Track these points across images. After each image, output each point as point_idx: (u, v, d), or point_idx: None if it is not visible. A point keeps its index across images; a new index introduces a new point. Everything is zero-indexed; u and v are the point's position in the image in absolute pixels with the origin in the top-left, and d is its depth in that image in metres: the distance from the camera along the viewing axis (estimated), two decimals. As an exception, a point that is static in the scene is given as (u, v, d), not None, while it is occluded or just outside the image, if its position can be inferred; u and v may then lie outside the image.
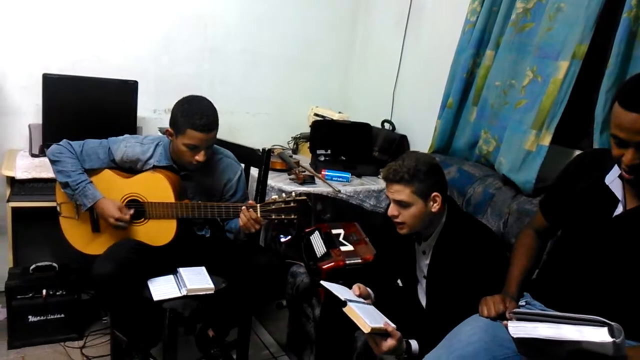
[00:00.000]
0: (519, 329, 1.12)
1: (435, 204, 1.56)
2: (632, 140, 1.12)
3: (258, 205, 1.76)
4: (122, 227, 1.83)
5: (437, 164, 1.59)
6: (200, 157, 1.80)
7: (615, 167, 1.27)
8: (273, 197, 1.77)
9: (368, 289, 1.67)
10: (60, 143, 1.86)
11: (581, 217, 1.36)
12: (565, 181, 1.45)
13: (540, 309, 1.40)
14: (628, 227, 1.25)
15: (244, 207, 1.75)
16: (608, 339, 0.99)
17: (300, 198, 1.73)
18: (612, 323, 1.01)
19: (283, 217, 1.74)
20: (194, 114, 1.75)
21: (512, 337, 1.15)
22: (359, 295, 1.61)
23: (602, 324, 1.01)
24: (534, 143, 1.90)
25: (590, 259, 1.32)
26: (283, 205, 1.73)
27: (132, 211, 1.83)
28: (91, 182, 1.83)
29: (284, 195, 1.76)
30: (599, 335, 1.00)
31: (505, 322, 1.19)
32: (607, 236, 1.28)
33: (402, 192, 1.52)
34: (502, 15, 2.10)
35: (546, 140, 1.87)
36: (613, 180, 1.28)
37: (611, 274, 1.27)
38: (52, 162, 1.84)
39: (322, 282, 1.62)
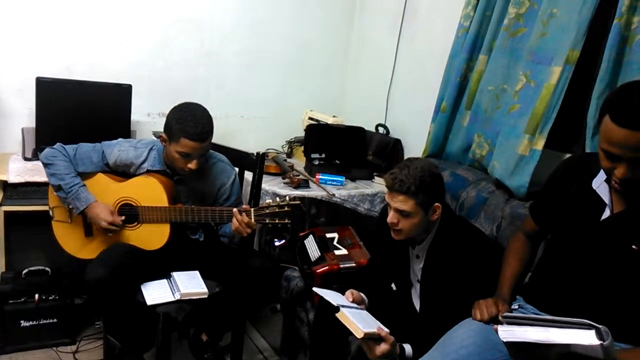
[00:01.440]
0: (508, 333, 1.13)
1: (435, 214, 1.56)
2: (625, 156, 1.11)
3: (252, 209, 1.76)
4: (114, 231, 1.82)
5: (439, 173, 1.59)
6: (192, 165, 1.80)
7: (602, 171, 1.28)
8: (267, 201, 1.77)
9: (361, 294, 1.67)
10: (54, 147, 1.86)
11: (570, 221, 1.37)
12: (553, 186, 1.46)
13: (532, 312, 1.41)
14: (615, 231, 1.26)
15: (235, 211, 1.75)
16: (595, 341, 1.00)
17: (294, 203, 1.73)
18: (600, 326, 1.01)
19: (277, 221, 1.74)
20: (188, 122, 1.74)
21: (503, 341, 1.15)
22: (353, 301, 1.61)
23: (590, 327, 1.02)
24: (527, 147, 1.91)
25: (579, 263, 1.33)
26: (277, 210, 1.73)
27: (123, 217, 1.83)
28: (84, 185, 1.83)
29: (278, 199, 1.76)
30: (586, 338, 1.01)
31: (495, 326, 1.20)
32: (595, 240, 1.29)
33: (406, 203, 1.52)
34: (495, 20, 2.12)
35: (539, 144, 1.88)
36: (600, 184, 1.29)
37: (600, 277, 1.28)
38: (45, 165, 1.83)
39: (314, 288, 1.62)
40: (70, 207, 1.82)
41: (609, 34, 1.68)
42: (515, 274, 1.51)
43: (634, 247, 1.21)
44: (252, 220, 1.74)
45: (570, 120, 1.96)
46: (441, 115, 2.34)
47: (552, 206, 1.44)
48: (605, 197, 1.28)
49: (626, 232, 1.24)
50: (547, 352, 1.08)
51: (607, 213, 1.28)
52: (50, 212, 1.93)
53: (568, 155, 1.89)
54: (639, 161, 1.11)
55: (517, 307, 1.45)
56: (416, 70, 2.73)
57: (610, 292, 1.26)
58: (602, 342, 0.99)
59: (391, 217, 1.56)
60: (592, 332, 1.01)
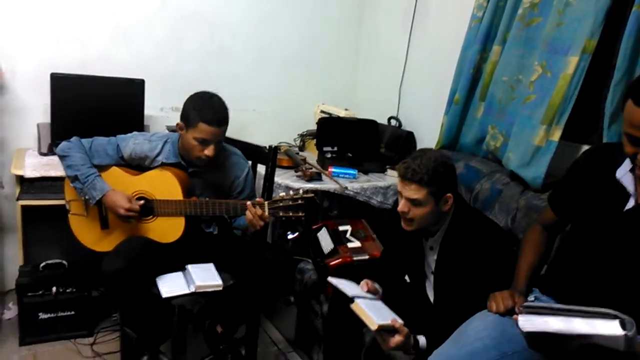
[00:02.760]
0: (528, 322, 1.11)
1: (446, 204, 1.56)
2: None
3: (266, 202, 1.76)
4: (132, 218, 1.84)
5: (452, 164, 1.58)
6: (209, 151, 1.81)
7: (627, 161, 1.26)
8: (281, 194, 1.77)
9: (376, 285, 1.67)
10: (70, 140, 1.88)
11: (592, 211, 1.35)
12: (575, 175, 1.44)
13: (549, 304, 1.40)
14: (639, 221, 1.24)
15: (249, 204, 1.75)
16: (620, 332, 0.98)
17: (307, 195, 1.73)
18: (624, 316, 1.00)
19: (291, 214, 1.74)
20: (207, 108, 1.78)
21: (522, 331, 1.14)
22: (368, 291, 1.61)
23: (614, 317, 1.00)
24: (544, 138, 1.89)
25: (601, 254, 1.31)
26: (290, 203, 1.73)
27: (142, 202, 1.84)
28: (100, 175, 1.85)
29: (291, 192, 1.76)
30: (610, 328, 0.99)
31: (515, 316, 1.19)
32: (619, 230, 1.27)
33: (418, 192, 1.52)
34: (508, 10, 2.09)
35: (556, 135, 1.86)
36: (624, 174, 1.27)
37: (622, 268, 1.26)
38: (62, 157, 1.86)
39: (329, 278, 1.63)
40: (87, 197, 1.84)
41: (626, 22, 1.65)
42: (531, 266, 1.49)
43: None
44: (266, 213, 1.75)
45: (587, 110, 1.93)
46: (454, 107, 2.32)
47: (572, 196, 1.42)
48: (630, 187, 1.26)
49: None
50: (567, 343, 1.07)
51: (631, 203, 1.26)
52: (67, 206, 1.95)
53: (584, 147, 1.87)
54: None
55: (533, 299, 1.44)
56: (428, 62, 2.71)
57: (632, 284, 1.25)
58: (626, 332, 0.98)
59: (402, 205, 1.56)
60: (616, 322, 0.99)
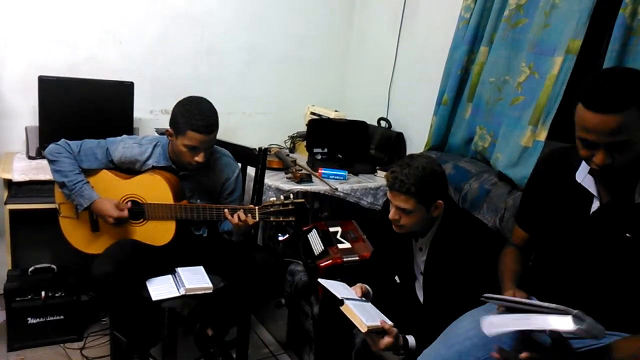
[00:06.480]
0: (492, 328, 1.13)
1: (437, 210, 1.57)
2: (602, 142, 1.10)
3: (256, 207, 1.77)
4: (121, 224, 1.83)
5: (441, 171, 1.58)
6: (199, 158, 1.80)
7: (584, 163, 1.26)
8: (271, 199, 1.79)
9: (367, 287, 1.68)
10: (59, 142, 1.87)
11: (560, 218, 1.34)
12: (535, 188, 1.44)
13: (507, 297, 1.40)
14: (607, 221, 1.24)
15: (241, 212, 1.76)
16: (572, 327, 1.00)
17: (297, 201, 1.75)
18: (575, 311, 1.01)
19: (281, 219, 1.76)
20: (195, 115, 1.75)
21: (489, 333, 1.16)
22: (362, 296, 1.62)
23: (564, 313, 1.03)
24: (531, 139, 1.91)
25: (575, 258, 1.31)
26: (281, 208, 1.75)
27: (129, 204, 1.83)
28: (88, 182, 1.84)
29: (282, 197, 1.77)
30: (563, 323, 1.02)
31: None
32: (588, 233, 1.27)
33: (407, 203, 1.52)
34: (495, 11, 2.11)
35: (542, 135, 1.88)
36: (584, 177, 1.26)
37: (597, 269, 1.27)
38: (50, 161, 1.85)
39: (319, 280, 1.63)
40: (75, 203, 1.84)
41: (613, 24, 1.68)
42: (516, 273, 1.45)
43: (627, 235, 1.20)
44: (257, 218, 1.76)
45: (572, 110, 1.95)
46: (443, 108, 2.34)
47: (537, 208, 1.41)
48: (592, 189, 1.26)
49: (618, 221, 1.22)
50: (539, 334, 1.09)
51: (596, 204, 1.26)
52: (57, 208, 1.94)
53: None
54: (616, 145, 1.10)
55: None
56: (417, 63, 2.72)
57: (609, 283, 1.25)
58: (578, 326, 1.00)
59: (392, 214, 1.57)
60: (569, 318, 1.01)
